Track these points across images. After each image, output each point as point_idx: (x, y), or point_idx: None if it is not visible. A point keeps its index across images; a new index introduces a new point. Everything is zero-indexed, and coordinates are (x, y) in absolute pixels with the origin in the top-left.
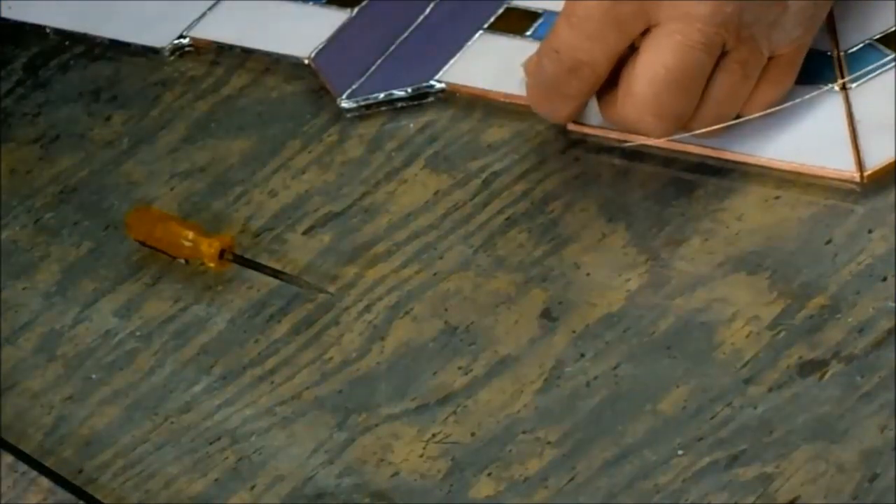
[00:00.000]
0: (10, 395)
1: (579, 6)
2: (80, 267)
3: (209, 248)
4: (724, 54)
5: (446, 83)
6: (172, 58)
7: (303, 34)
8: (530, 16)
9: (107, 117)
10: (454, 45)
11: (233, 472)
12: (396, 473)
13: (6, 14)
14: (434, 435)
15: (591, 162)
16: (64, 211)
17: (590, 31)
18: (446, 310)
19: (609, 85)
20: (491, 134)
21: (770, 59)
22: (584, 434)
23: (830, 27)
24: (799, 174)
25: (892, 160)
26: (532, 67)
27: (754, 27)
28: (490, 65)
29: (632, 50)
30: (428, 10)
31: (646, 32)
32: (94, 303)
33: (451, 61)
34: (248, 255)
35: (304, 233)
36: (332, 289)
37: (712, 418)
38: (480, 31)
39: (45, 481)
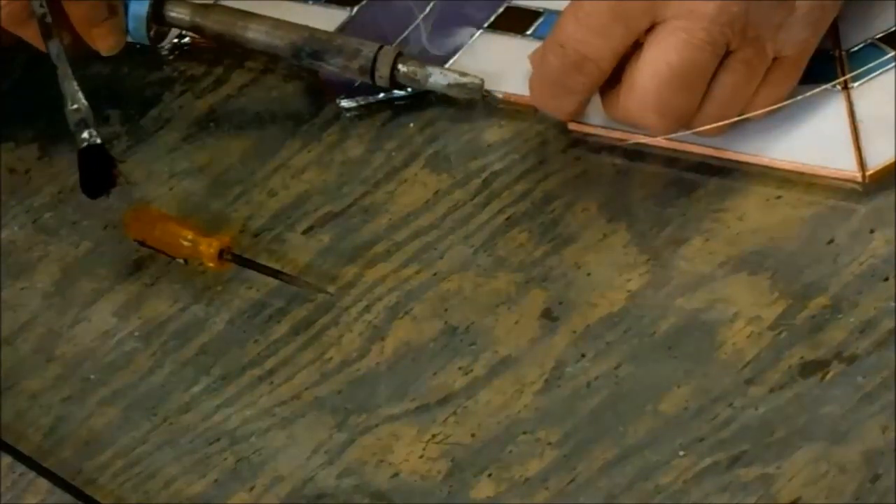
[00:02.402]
0: (8, 396)
1: (586, 2)
2: (78, 267)
3: (208, 248)
4: (728, 53)
5: None
6: (171, 57)
7: None
8: (531, 15)
9: (105, 117)
10: (454, 44)
11: (232, 473)
12: (396, 474)
13: None
14: (434, 436)
15: (592, 161)
16: (63, 211)
17: (595, 27)
18: (446, 310)
19: (612, 81)
20: (491, 133)
21: (775, 59)
22: (585, 435)
23: (832, 26)
24: (800, 174)
25: (893, 160)
26: (536, 62)
27: (760, 28)
28: (490, 64)
29: (635, 46)
30: (428, 10)
31: (650, 29)
32: (92, 303)
33: (451, 61)
34: (247, 255)
35: (304, 233)
36: (331, 289)
37: (713, 419)
38: (481, 31)
39: (43, 482)
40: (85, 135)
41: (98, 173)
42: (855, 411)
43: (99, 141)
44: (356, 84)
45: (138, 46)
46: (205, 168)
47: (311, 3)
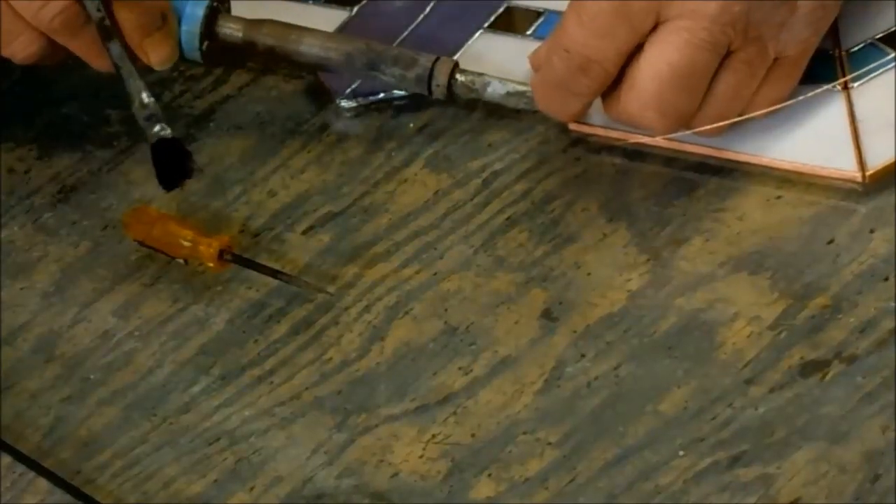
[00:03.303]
0: (8, 396)
1: (589, 4)
2: (78, 267)
3: (208, 248)
4: (729, 53)
5: None
6: None
7: None
8: (531, 15)
9: (105, 117)
10: (454, 44)
11: (232, 473)
12: (396, 474)
13: None
14: (434, 436)
15: (592, 161)
16: (62, 210)
17: (600, 29)
18: (446, 310)
19: (613, 81)
20: (491, 133)
21: (775, 59)
22: (585, 435)
23: (832, 26)
24: (800, 174)
25: (893, 160)
26: (539, 65)
27: (762, 27)
28: (490, 64)
29: (637, 46)
30: (428, 10)
31: (653, 29)
32: (92, 303)
33: None
34: (247, 255)
35: (304, 233)
36: (331, 289)
37: (713, 419)
38: (481, 31)
39: (43, 482)
40: (156, 129)
41: (172, 166)
42: (855, 411)
43: (170, 133)
44: (356, 84)
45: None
46: (204, 168)
47: (311, 2)
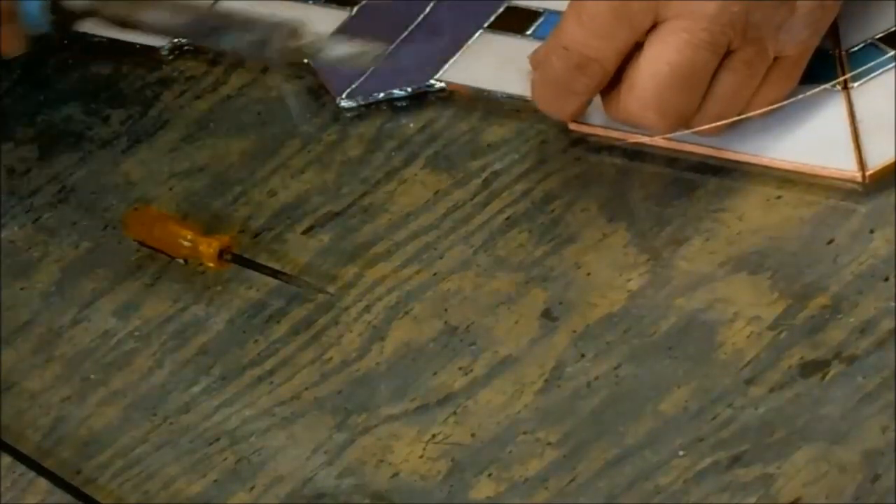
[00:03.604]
0: (8, 396)
1: (589, 3)
2: (78, 267)
3: (208, 248)
4: (729, 53)
5: (446, 83)
6: (171, 57)
7: None
8: (531, 15)
9: (105, 117)
10: (454, 44)
11: (232, 473)
12: (396, 474)
13: None
14: (434, 436)
15: (592, 161)
16: (62, 211)
17: (599, 28)
18: (446, 310)
19: (613, 81)
20: (491, 133)
21: (775, 59)
22: (585, 435)
23: (832, 26)
24: (800, 174)
25: (893, 160)
26: (538, 64)
27: (762, 28)
28: (490, 64)
29: (636, 45)
30: (428, 10)
31: (652, 28)
32: (92, 303)
33: (451, 60)
34: (247, 255)
35: (304, 233)
36: (331, 289)
37: (713, 419)
38: (481, 31)
39: (43, 482)
40: None
41: None
42: (855, 411)
43: None
44: (356, 84)
45: (140, 46)
46: (205, 168)
47: (310, 2)
